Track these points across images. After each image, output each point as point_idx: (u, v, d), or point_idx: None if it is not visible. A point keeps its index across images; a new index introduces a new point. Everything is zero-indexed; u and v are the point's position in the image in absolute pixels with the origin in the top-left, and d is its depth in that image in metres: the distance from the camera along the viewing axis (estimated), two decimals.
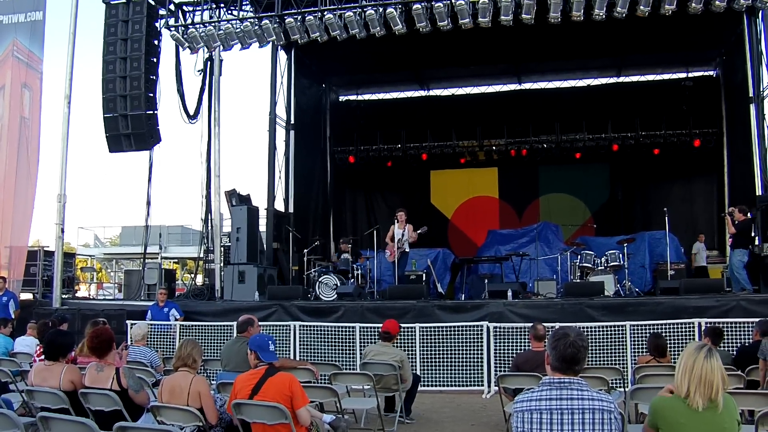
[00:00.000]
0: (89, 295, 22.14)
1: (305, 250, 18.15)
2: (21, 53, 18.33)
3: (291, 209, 20.41)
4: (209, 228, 18.23)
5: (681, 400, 3.97)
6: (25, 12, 18.40)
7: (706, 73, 22.11)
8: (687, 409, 3.93)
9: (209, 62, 18.04)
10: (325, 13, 15.55)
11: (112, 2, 16.86)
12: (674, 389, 4.06)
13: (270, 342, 6.32)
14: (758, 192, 16.30)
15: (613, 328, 11.76)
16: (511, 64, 22.45)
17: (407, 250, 16.50)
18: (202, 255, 18.68)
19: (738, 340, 10.85)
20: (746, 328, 10.95)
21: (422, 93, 24.62)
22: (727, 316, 11.74)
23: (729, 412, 3.97)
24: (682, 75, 22.04)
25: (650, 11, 14.24)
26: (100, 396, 6.33)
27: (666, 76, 22.62)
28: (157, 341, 13.40)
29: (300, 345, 13.14)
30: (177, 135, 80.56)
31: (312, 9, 15.70)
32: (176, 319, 14.15)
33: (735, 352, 9.48)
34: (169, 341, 13.44)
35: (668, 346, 9.39)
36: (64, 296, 16.87)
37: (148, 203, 18.70)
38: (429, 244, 19.08)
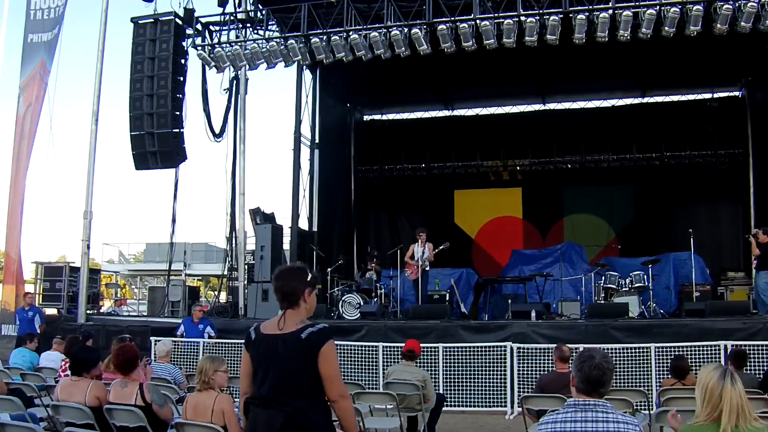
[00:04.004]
0: (114, 311, 22.23)
1: (329, 269, 18.12)
2: (42, 69, 18.63)
3: (315, 228, 20.44)
4: (233, 246, 18.30)
5: (710, 430, 3.89)
6: (50, 30, 18.70)
7: (731, 94, 21.94)
8: None
9: (235, 81, 18.14)
10: (351, 33, 15.65)
11: (139, 22, 17.09)
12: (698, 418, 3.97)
13: None
14: None
15: (637, 350, 11.69)
16: (536, 84, 22.44)
17: (428, 268, 16.53)
18: (225, 273, 18.76)
19: (765, 363, 10.74)
20: None
21: (446, 113, 24.59)
22: (754, 338, 11.59)
23: None
24: (708, 95, 21.86)
25: (675, 32, 14.21)
26: (124, 412, 6.37)
27: (691, 97, 22.46)
28: (182, 358, 13.44)
29: None
30: (202, 153, 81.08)
31: (337, 29, 15.80)
32: (210, 337, 14.19)
33: (761, 375, 9.38)
34: (194, 358, 13.46)
35: (693, 368, 9.30)
36: (88, 312, 17.00)
37: (173, 220, 18.86)
38: (452, 263, 19.06)
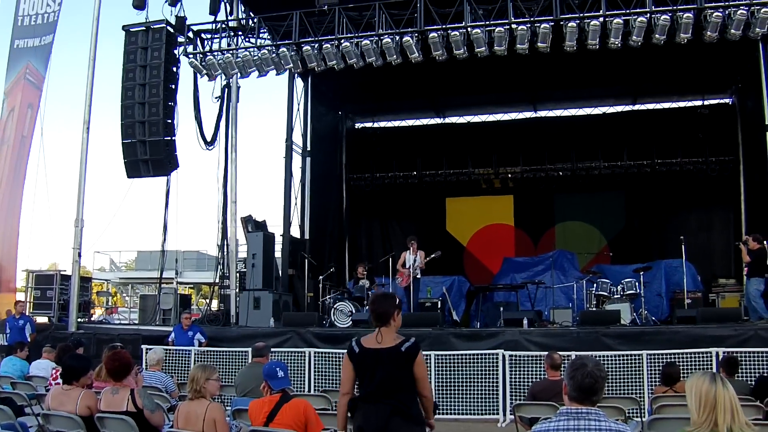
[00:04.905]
0: (105, 319, 22.17)
1: (320, 277, 18.05)
2: (32, 75, 18.63)
3: (307, 236, 20.42)
4: (225, 254, 18.25)
5: None
6: (40, 36, 18.69)
7: (722, 101, 21.98)
8: None
9: (227, 89, 18.15)
10: (342, 41, 15.68)
11: (131, 30, 17.08)
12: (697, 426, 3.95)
13: (278, 369, 6.28)
14: None
15: (629, 357, 11.68)
16: (527, 92, 22.49)
17: (419, 276, 16.52)
18: (217, 280, 18.71)
19: (756, 370, 10.75)
20: (764, 358, 10.87)
21: (438, 120, 24.61)
22: (745, 345, 11.60)
23: None
24: (698, 103, 21.94)
25: (666, 40, 14.27)
26: (115, 421, 6.32)
27: (682, 104, 22.50)
28: (173, 366, 13.40)
29: (315, 372, 13.11)
30: (194, 161, 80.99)
31: (329, 37, 15.84)
32: (200, 344, 14.16)
33: (753, 382, 9.39)
34: (186, 366, 13.41)
35: (685, 375, 9.29)
36: (79, 320, 16.92)
37: (165, 228, 18.76)
38: (444, 271, 19.05)
